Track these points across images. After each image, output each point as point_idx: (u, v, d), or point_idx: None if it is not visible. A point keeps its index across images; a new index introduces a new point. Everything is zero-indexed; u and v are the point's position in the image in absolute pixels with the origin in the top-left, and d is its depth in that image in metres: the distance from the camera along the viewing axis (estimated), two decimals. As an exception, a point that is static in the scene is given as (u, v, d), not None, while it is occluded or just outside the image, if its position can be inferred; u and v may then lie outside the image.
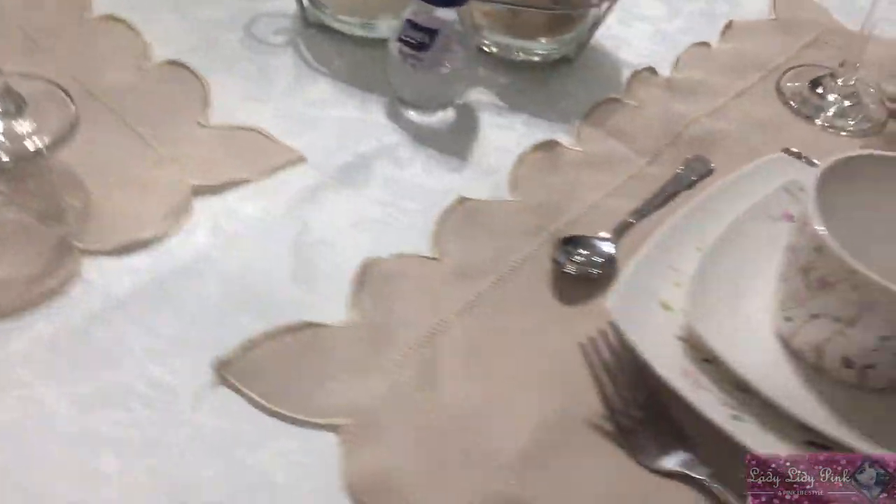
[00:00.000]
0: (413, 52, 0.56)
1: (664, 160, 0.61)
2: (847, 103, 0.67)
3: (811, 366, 0.46)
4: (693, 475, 0.42)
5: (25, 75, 0.57)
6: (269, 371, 0.45)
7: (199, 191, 0.53)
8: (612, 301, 0.47)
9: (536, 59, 0.67)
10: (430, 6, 0.55)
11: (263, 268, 0.50)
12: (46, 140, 0.55)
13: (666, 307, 0.49)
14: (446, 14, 0.56)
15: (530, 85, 0.66)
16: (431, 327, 0.48)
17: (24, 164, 0.53)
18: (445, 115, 0.62)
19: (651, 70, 0.68)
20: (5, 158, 0.54)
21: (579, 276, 0.51)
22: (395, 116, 0.61)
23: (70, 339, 0.45)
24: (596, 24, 0.66)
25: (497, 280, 0.51)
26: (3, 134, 0.55)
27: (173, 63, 0.61)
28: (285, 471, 0.42)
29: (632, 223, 0.55)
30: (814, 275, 0.43)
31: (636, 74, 0.67)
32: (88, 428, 0.42)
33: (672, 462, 0.43)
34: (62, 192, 0.52)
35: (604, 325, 0.48)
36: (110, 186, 0.52)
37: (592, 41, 0.70)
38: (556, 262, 0.51)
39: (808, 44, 0.74)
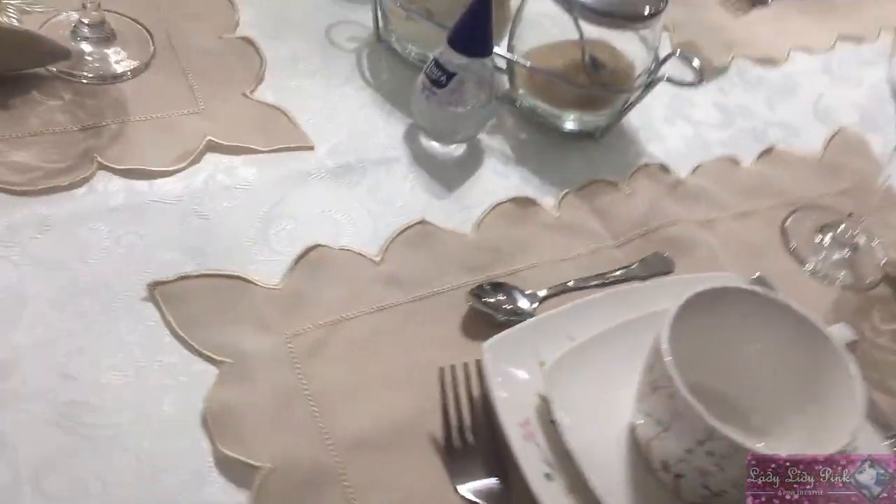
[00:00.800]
0: (430, 87, 0.64)
1: (632, 248, 0.65)
2: (845, 254, 0.68)
3: (644, 460, 0.50)
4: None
5: (123, 16, 0.69)
6: (189, 301, 0.53)
7: (214, 146, 0.62)
8: (490, 342, 0.52)
9: (564, 128, 0.72)
10: (453, 51, 0.62)
11: (232, 222, 0.59)
12: (123, 69, 0.66)
13: (542, 365, 0.53)
14: (467, 61, 0.62)
15: (546, 148, 0.71)
16: (341, 315, 0.55)
17: (97, 84, 0.65)
18: (454, 149, 0.68)
19: (663, 167, 0.72)
20: (90, 75, 0.65)
21: (486, 316, 0.56)
22: (409, 137, 0.68)
23: (57, 227, 0.55)
24: (624, 111, 0.71)
25: (419, 297, 0.57)
26: (92, 55, 0.66)
27: (248, 40, 0.71)
28: (161, 380, 0.50)
29: (569, 289, 0.60)
30: (651, 376, 0.47)
31: (645, 167, 0.71)
32: (37, 297, 0.52)
33: (477, 489, 0.48)
34: (108, 113, 0.62)
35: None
36: (147, 121, 0.63)
37: (628, 127, 0.74)
38: (468, 299, 0.57)
39: (842, 191, 0.75)
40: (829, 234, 0.69)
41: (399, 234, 0.61)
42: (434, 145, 0.68)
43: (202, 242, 0.57)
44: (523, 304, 0.58)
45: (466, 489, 0.48)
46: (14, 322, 0.50)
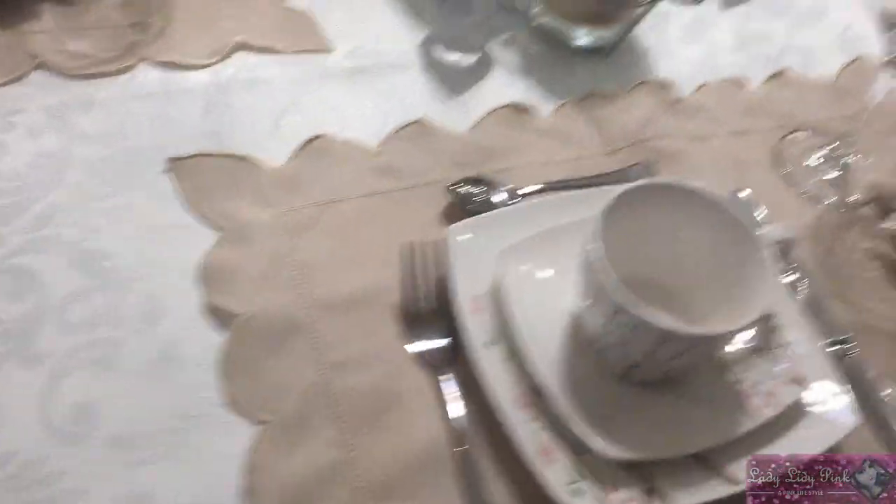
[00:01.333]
0: (439, -5, 0.69)
1: (621, 155, 0.69)
2: (835, 174, 0.70)
3: (579, 335, 0.55)
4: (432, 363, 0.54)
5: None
6: (202, 176, 0.62)
7: (242, 46, 0.70)
8: (456, 225, 0.58)
9: (576, 44, 0.76)
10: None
11: (250, 114, 0.66)
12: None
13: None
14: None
15: (555, 62, 0.75)
16: (336, 196, 0.62)
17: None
18: (465, 59, 0.74)
19: (665, 83, 0.75)
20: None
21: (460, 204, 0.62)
22: (425, 46, 0.74)
23: (100, 107, 0.64)
24: (630, 27, 0.74)
25: (408, 186, 0.64)
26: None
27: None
28: (170, 238, 0.58)
29: (547, 188, 0.65)
30: (585, 257, 0.52)
31: (646, 82, 0.74)
32: (77, 163, 0.61)
33: (426, 348, 0.55)
34: (156, 14, 0.71)
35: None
36: (189, 21, 0.71)
37: (639, 47, 0.78)
38: (446, 189, 0.63)
39: (849, 116, 0.76)
40: (821, 154, 0.71)
41: (398, 130, 0.67)
42: (447, 55, 0.74)
43: (221, 128, 0.65)
44: (497, 198, 0.63)
45: (416, 347, 0.55)
46: (55, 183, 0.60)
